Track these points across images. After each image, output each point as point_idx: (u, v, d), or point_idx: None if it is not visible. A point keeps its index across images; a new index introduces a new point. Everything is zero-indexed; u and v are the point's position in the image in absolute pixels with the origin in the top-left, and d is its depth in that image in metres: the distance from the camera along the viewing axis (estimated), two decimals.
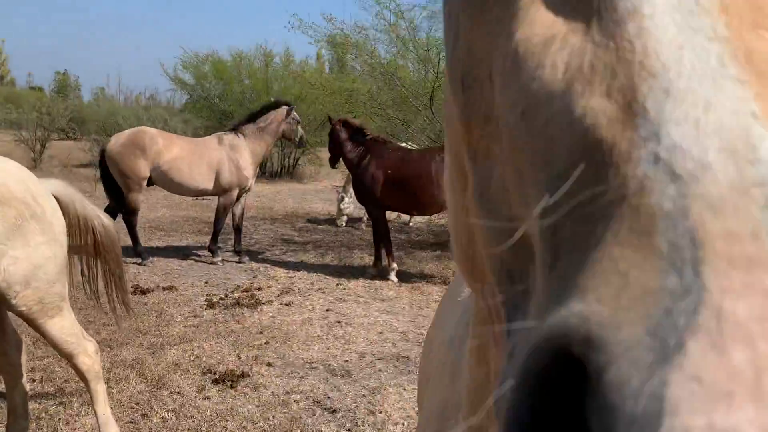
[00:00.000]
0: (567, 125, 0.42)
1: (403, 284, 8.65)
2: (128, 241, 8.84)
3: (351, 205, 12.83)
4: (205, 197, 12.28)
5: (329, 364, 5.71)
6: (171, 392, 4.98)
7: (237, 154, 9.58)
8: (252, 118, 10.03)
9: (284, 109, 9.96)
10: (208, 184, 9.55)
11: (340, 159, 9.54)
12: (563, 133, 0.42)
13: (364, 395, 5.10)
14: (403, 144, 10.67)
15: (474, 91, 0.56)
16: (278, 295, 7.86)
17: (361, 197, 9.13)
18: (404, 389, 5.24)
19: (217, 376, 5.28)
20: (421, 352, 2.17)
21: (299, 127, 10.11)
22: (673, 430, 0.27)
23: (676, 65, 0.39)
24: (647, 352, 0.30)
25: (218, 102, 22.68)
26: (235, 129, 10.01)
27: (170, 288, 7.91)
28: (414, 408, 4.99)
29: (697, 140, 0.35)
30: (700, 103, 0.37)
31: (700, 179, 0.33)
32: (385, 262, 8.99)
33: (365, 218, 12.63)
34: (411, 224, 13.29)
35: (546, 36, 0.47)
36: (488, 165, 0.54)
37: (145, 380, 5.14)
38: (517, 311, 0.47)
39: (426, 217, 12.46)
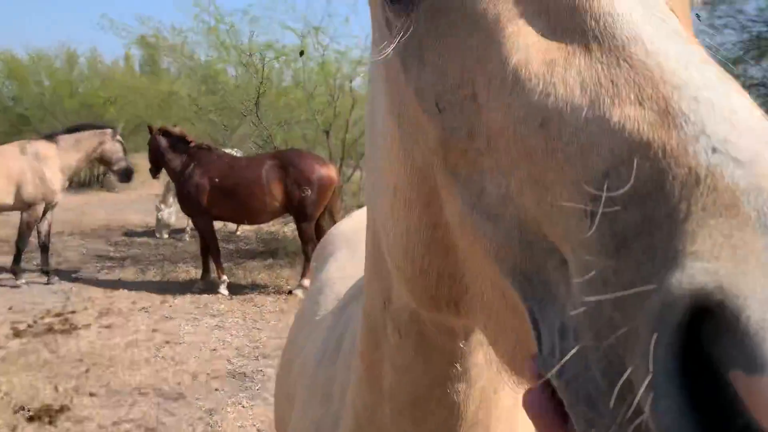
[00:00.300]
0: (605, 131, 0.48)
1: (234, 297, 8.35)
2: None
3: (172, 216, 12.18)
4: (3, 212, 10.99)
5: (160, 388, 5.34)
6: None
7: (43, 165, 8.67)
8: (71, 130, 9.20)
9: (108, 131, 9.24)
10: (7, 198, 8.54)
11: (162, 169, 9.01)
12: (602, 137, 0.48)
13: (200, 417, 4.84)
14: (230, 150, 10.34)
15: (451, 113, 0.62)
16: (96, 318, 7.21)
17: (187, 207, 8.68)
18: (243, 406, 5.06)
19: (32, 413, 4.73)
20: (278, 372, 2.07)
21: (124, 157, 9.34)
22: None
23: (693, 80, 0.48)
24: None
25: (13, 105, 20.45)
26: (50, 137, 9.08)
27: None
28: (255, 424, 4.83)
29: (740, 135, 0.44)
30: (726, 108, 0.46)
31: (759, 162, 0.42)
32: (214, 274, 8.63)
33: (189, 229, 12.06)
34: (239, 233, 12.92)
35: (546, 59, 0.55)
36: (477, 178, 0.60)
37: None
38: (543, 304, 0.52)
39: (254, 226, 12.19)
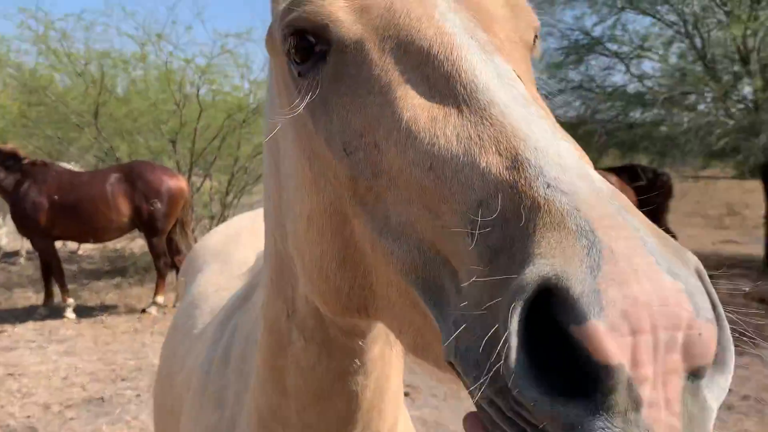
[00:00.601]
0: (476, 173, 0.66)
1: (82, 320, 7.87)
2: None
3: (4, 238, 11.21)
4: None
5: (7, 424, 4.96)
6: None
7: None
8: None
9: None
10: None
11: None
12: (474, 178, 0.66)
13: None
14: (68, 165, 9.71)
15: (357, 156, 0.77)
16: None
17: (24, 228, 8.05)
18: None
19: None
20: (156, 389, 2.08)
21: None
22: (609, 299, 0.54)
23: (533, 134, 0.66)
24: (587, 274, 0.56)
25: None
26: None
27: None
28: None
29: (564, 173, 0.63)
30: (555, 153, 0.65)
31: (577, 192, 0.61)
32: (58, 298, 8.08)
33: (24, 251, 11.16)
34: (81, 252, 12.14)
35: (430, 116, 0.72)
36: (382, 208, 0.75)
37: None
38: (440, 304, 0.69)
39: (99, 244, 11.53)
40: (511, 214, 0.62)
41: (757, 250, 12.76)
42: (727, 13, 9.87)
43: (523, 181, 0.63)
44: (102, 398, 5.51)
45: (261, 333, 1.18)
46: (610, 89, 11.83)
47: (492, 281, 0.60)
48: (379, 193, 0.76)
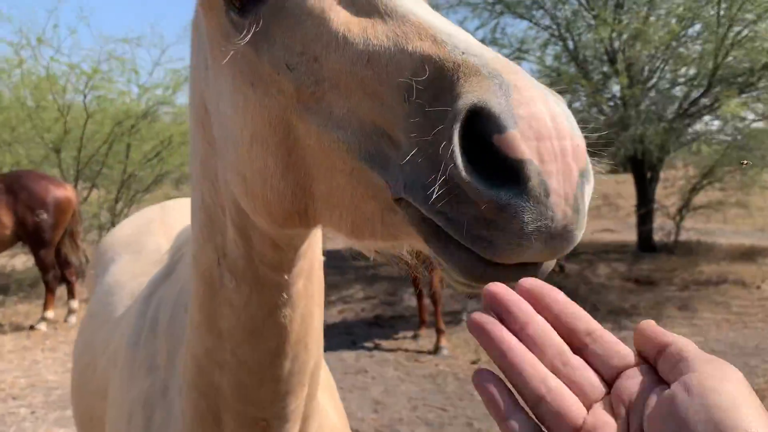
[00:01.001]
0: (405, 55, 0.83)
1: None
2: None
3: None
4: None
5: None
6: None
7: None
8: None
9: None
10: None
11: None
12: (406, 59, 0.83)
13: None
14: None
15: (300, 70, 0.93)
16: None
17: None
18: None
19: None
20: (77, 379, 2.10)
21: None
22: (519, 115, 0.71)
23: (445, 27, 0.86)
24: (503, 100, 0.73)
25: None
26: None
27: None
28: None
29: (471, 45, 0.82)
30: (464, 37, 0.85)
31: (484, 54, 0.80)
32: None
33: None
34: None
35: (361, 27, 0.89)
36: (325, 106, 0.91)
37: None
38: (386, 167, 0.84)
39: None
40: (439, 74, 0.79)
41: (631, 237, 13.85)
42: (595, 17, 10.65)
43: (442, 52, 0.80)
44: None
45: (194, 283, 1.28)
46: None
47: (430, 122, 0.77)
48: (322, 95, 0.90)
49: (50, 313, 7.93)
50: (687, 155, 13.46)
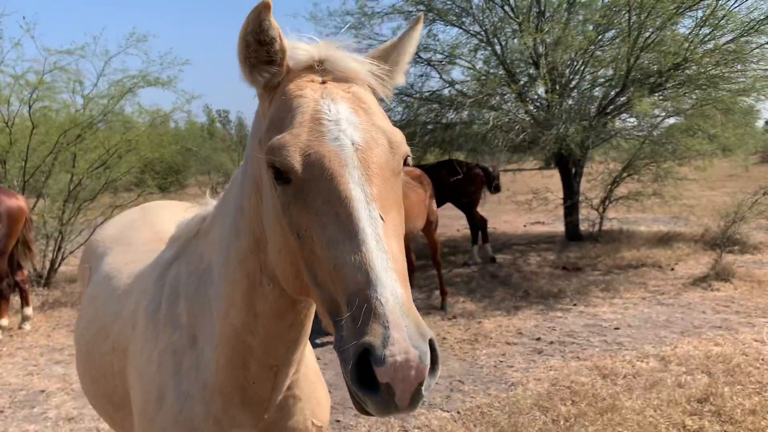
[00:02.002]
0: (353, 279, 1.27)
1: None
2: None
3: None
4: None
5: None
6: None
7: None
8: None
9: None
10: None
11: None
12: (351, 284, 1.27)
13: None
14: None
15: (303, 240, 1.38)
16: None
17: None
18: None
19: None
20: (84, 346, 2.49)
21: None
22: (389, 359, 1.17)
23: (378, 267, 1.28)
24: (382, 348, 1.17)
25: None
26: None
27: None
28: None
29: (385, 292, 1.24)
30: (387, 280, 1.27)
31: (388, 303, 1.22)
32: None
33: None
34: None
35: (336, 235, 1.33)
36: (312, 266, 1.37)
37: None
38: (338, 324, 1.29)
39: None
40: (363, 303, 1.22)
41: (559, 228, 14.78)
42: (519, 24, 11.41)
43: (370, 293, 1.22)
44: None
45: (240, 278, 1.75)
46: (427, 94, 13.05)
47: (351, 328, 1.24)
48: (313, 262, 1.37)
49: (5, 321, 8.08)
50: (608, 150, 14.46)
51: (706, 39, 10.85)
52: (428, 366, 1.21)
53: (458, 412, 5.35)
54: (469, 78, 13.43)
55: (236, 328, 1.80)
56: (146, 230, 2.90)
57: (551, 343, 7.23)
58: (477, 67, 13.13)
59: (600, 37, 11.57)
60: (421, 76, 13.12)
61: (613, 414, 5.04)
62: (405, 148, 1.51)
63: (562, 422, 4.97)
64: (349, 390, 1.28)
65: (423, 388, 1.21)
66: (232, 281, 1.79)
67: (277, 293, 1.70)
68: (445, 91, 13.15)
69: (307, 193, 1.36)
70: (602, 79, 12.62)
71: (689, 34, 10.98)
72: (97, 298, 2.57)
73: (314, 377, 2.12)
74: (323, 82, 1.51)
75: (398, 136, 1.51)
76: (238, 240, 1.76)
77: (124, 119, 11.16)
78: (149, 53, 15.50)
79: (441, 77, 13.08)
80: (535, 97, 12.82)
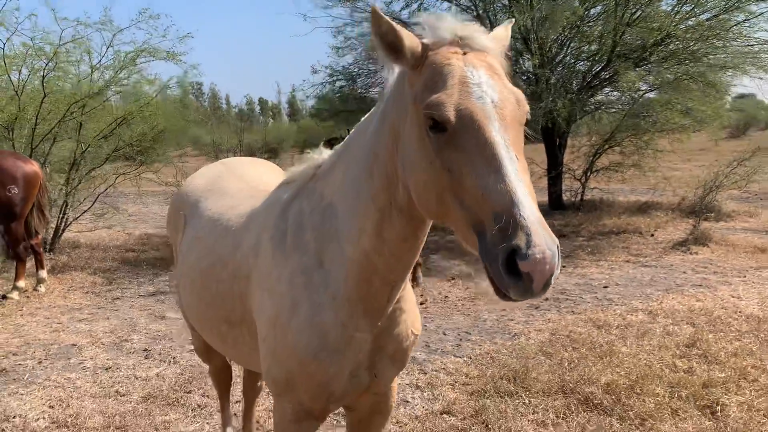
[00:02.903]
0: (501, 199, 1.60)
1: None
2: None
3: None
4: None
5: None
6: None
7: None
8: None
9: None
10: None
11: None
12: (497, 205, 1.60)
13: None
14: None
15: (453, 174, 1.71)
16: None
17: None
18: (21, 394, 5.23)
19: None
20: (198, 278, 2.88)
21: None
22: (531, 255, 1.50)
23: (519, 191, 1.60)
24: (526, 248, 1.51)
25: None
26: None
27: None
28: (43, 403, 5.09)
29: (526, 210, 1.56)
30: (528, 203, 1.59)
31: (529, 218, 1.54)
32: None
33: None
34: None
35: (482, 170, 1.68)
36: (459, 196, 1.71)
37: None
38: (482, 236, 1.64)
39: None
40: (509, 218, 1.52)
41: (543, 198, 15.35)
42: (510, 0, 11.81)
43: (514, 211, 1.52)
44: (4, 369, 5.83)
45: (372, 211, 2.10)
46: None
47: (499, 236, 1.55)
48: (461, 191, 1.69)
49: (22, 283, 8.36)
50: (590, 123, 15.04)
51: (688, 16, 11.38)
52: (557, 263, 1.57)
53: (470, 357, 5.86)
54: None
55: (366, 251, 2.16)
56: (237, 181, 3.26)
57: (546, 299, 7.77)
58: None
59: (587, 12, 12.01)
60: None
61: (611, 357, 5.59)
62: (527, 106, 1.84)
63: (566, 364, 5.51)
64: (493, 283, 1.65)
65: (552, 277, 1.56)
66: (363, 214, 2.14)
67: (404, 222, 2.06)
68: None
69: (459, 138, 1.70)
70: (585, 54, 13.11)
71: (671, 10, 11.50)
72: (204, 237, 2.93)
73: (412, 296, 2.53)
74: (464, 53, 1.83)
75: (522, 95, 1.84)
76: (371, 180, 2.10)
77: (134, 89, 11.36)
78: (155, 28, 15.43)
79: None
80: (523, 71, 13.27)
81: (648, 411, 4.56)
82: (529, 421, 4.53)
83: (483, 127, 1.68)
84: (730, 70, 11.70)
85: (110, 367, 5.90)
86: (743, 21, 11.35)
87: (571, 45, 12.78)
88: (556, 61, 12.96)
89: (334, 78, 14.17)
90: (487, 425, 4.49)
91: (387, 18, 1.81)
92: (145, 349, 6.39)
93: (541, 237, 1.52)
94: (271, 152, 36.34)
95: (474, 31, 1.87)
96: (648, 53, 11.46)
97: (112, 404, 5.06)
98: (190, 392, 5.29)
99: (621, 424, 4.41)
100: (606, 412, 4.62)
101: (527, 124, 1.85)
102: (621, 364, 5.41)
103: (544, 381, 5.13)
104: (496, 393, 4.98)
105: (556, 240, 1.58)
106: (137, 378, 5.63)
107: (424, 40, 1.87)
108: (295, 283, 2.30)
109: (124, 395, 5.26)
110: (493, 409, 4.67)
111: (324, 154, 2.50)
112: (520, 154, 1.70)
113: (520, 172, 1.63)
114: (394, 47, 1.84)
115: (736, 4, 10.95)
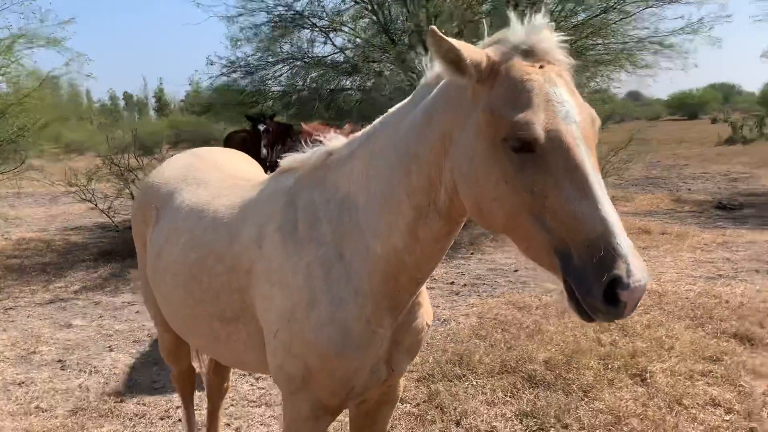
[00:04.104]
0: (592, 231, 1.59)
1: None
2: None
3: None
4: None
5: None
6: None
7: None
8: None
9: None
10: None
11: None
12: (590, 231, 1.60)
13: None
14: None
15: (533, 194, 1.68)
16: None
17: None
18: None
19: None
20: (186, 271, 2.68)
21: None
22: (630, 286, 1.52)
23: (611, 217, 1.61)
24: (626, 277, 1.52)
25: None
26: None
27: None
28: None
29: (619, 238, 1.57)
30: (620, 231, 1.60)
31: (624, 247, 1.56)
32: None
33: None
34: None
35: (571, 193, 1.66)
36: (543, 218, 1.67)
37: None
38: (565, 257, 1.63)
39: None
40: (607, 246, 1.54)
41: None
42: None
43: (611, 240, 1.54)
44: None
45: (406, 209, 2.06)
46: (317, 59, 13.28)
47: (597, 265, 1.55)
48: (544, 213, 1.66)
49: None
50: None
51: (570, 14, 12.08)
52: (644, 292, 1.61)
53: None
54: (351, 45, 13.81)
55: (397, 248, 2.12)
56: (214, 171, 3.08)
57: (464, 285, 8.02)
58: (361, 33, 13.50)
59: (479, 9, 12.41)
60: (310, 41, 13.32)
61: (541, 336, 5.87)
62: (599, 122, 1.85)
63: (502, 345, 5.71)
64: (578, 304, 1.65)
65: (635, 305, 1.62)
66: (395, 212, 2.09)
67: (441, 224, 2.04)
68: (334, 57, 13.44)
69: (548, 160, 1.67)
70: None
71: (555, 9, 12.16)
72: (189, 228, 2.73)
73: (424, 288, 2.51)
74: (541, 66, 1.77)
75: (594, 113, 1.84)
76: (408, 178, 2.05)
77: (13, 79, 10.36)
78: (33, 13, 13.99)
79: (328, 42, 13.33)
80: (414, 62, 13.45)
81: (588, 383, 4.85)
82: (480, 402, 4.66)
83: (572, 149, 1.66)
84: (611, 66, 12.55)
85: (23, 382, 5.42)
86: (619, 20, 12.21)
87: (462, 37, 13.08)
88: None
89: (230, 69, 13.71)
90: (441, 409, 4.57)
91: (446, 38, 1.75)
92: (59, 360, 5.92)
93: (638, 267, 1.55)
94: (144, 149, 34.48)
95: (545, 40, 1.80)
96: None
97: (36, 421, 4.66)
98: (122, 401, 4.97)
99: (567, 397, 4.65)
100: (551, 387, 4.85)
101: None
102: (552, 342, 5.69)
103: (487, 362, 5.29)
104: (444, 377, 5.08)
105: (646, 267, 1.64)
106: (57, 391, 5.21)
107: (490, 52, 1.81)
108: (313, 276, 2.22)
109: (47, 410, 4.85)
110: (445, 392, 4.76)
111: (335, 141, 2.41)
112: (600, 175, 1.71)
113: (608, 198, 1.64)
114: (456, 65, 1.78)
115: (615, 5, 11.77)
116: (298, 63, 13.42)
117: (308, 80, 13.32)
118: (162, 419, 4.68)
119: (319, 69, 13.25)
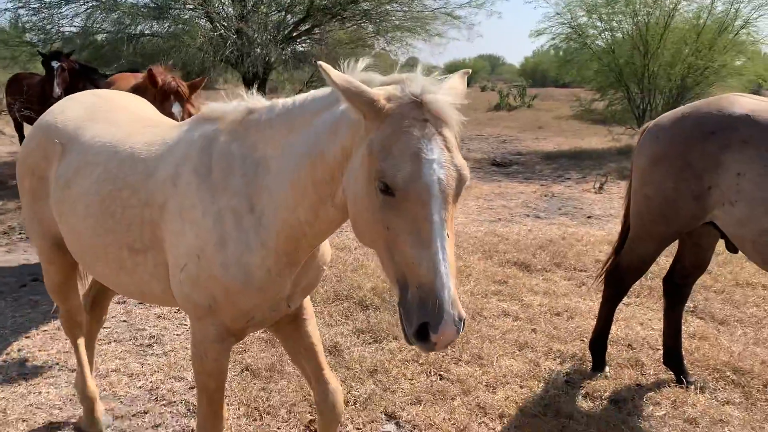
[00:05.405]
0: (423, 273, 1.81)
1: None
2: None
3: None
4: None
5: None
6: None
7: None
8: None
9: None
10: None
11: None
12: (422, 274, 1.82)
13: None
14: None
15: (389, 232, 1.89)
16: None
17: None
18: None
19: None
20: (94, 206, 2.89)
21: None
22: (441, 328, 1.77)
23: (442, 270, 1.81)
24: (438, 326, 1.77)
25: None
26: None
27: None
28: None
29: (444, 289, 1.79)
30: (447, 279, 1.82)
31: (445, 296, 1.79)
32: None
33: None
34: None
35: (417, 239, 1.86)
36: (392, 252, 1.90)
37: None
38: (404, 289, 1.85)
39: None
40: (429, 292, 1.74)
41: None
42: None
43: (436, 288, 1.73)
44: None
45: (311, 193, 2.23)
46: (113, 1, 12.51)
47: (419, 304, 1.77)
48: (394, 248, 1.85)
49: None
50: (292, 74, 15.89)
51: None
52: (460, 332, 1.81)
53: None
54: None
55: (300, 220, 2.32)
56: (123, 112, 3.19)
57: None
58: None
59: None
60: None
61: (364, 269, 6.68)
62: (467, 179, 1.95)
63: (332, 278, 6.42)
64: (404, 333, 1.87)
65: (451, 343, 1.83)
66: (302, 192, 2.26)
67: (338, 213, 2.24)
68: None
69: (403, 207, 1.84)
70: (282, 8, 13.73)
71: None
72: (101, 163, 2.84)
73: None
74: (425, 120, 1.88)
75: (465, 170, 1.94)
76: (314, 170, 2.20)
77: None
78: None
79: None
80: (224, 15, 13.29)
81: None
82: (321, 324, 5.31)
83: (425, 204, 1.83)
84: (407, 32, 13.64)
85: None
86: None
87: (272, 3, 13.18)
88: (255, 11, 13.32)
89: (16, 4, 12.39)
90: None
91: (343, 76, 1.93)
92: None
93: (450, 317, 1.77)
94: None
95: (437, 101, 1.90)
96: (344, 10, 12.62)
97: None
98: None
99: (394, 315, 5.50)
100: (379, 309, 5.67)
101: None
102: (374, 274, 6.53)
103: (322, 293, 5.98)
104: None
105: (464, 314, 1.82)
106: None
107: (383, 94, 1.91)
108: (224, 221, 2.40)
109: None
110: None
111: (257, 99, 2.54)
112: (451, 228, 1.88)
113: (448, 250, 1.82)
114: (353, 102, 1.91)
115: None
116: (95, 2, 12.58)
117: (108, 22, 12.57)
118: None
119: (118, 11, 12.54)
